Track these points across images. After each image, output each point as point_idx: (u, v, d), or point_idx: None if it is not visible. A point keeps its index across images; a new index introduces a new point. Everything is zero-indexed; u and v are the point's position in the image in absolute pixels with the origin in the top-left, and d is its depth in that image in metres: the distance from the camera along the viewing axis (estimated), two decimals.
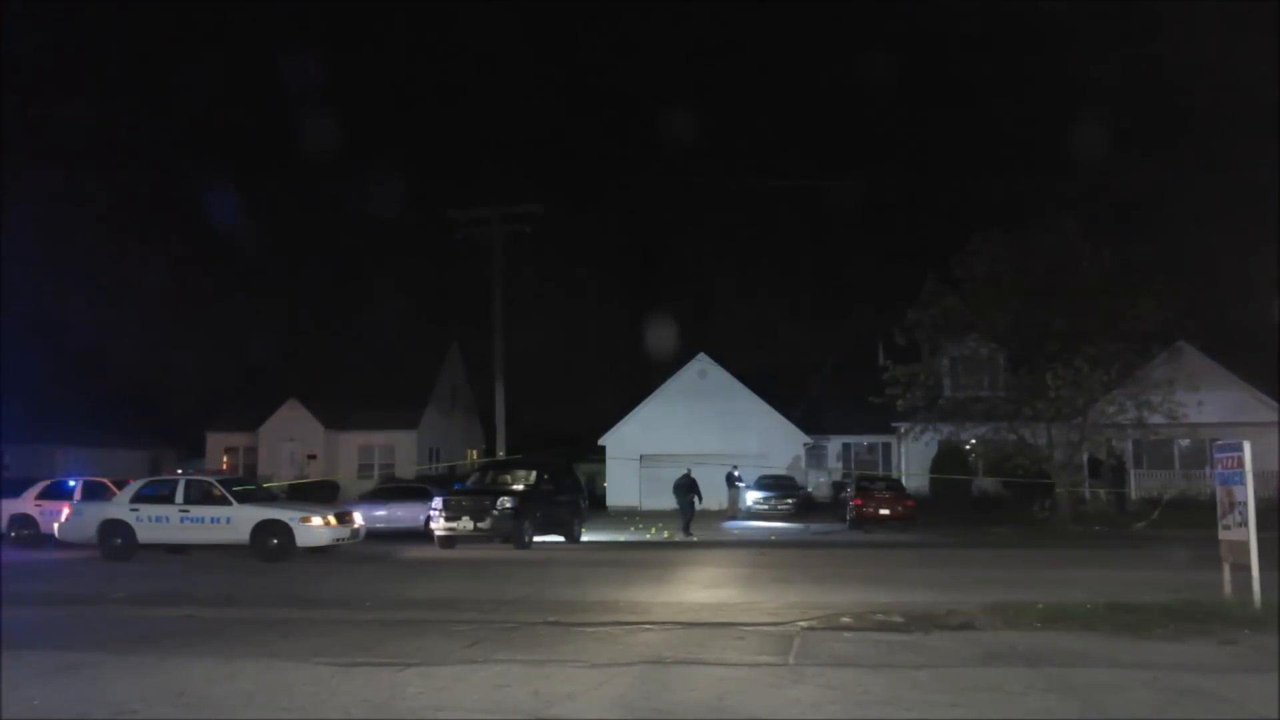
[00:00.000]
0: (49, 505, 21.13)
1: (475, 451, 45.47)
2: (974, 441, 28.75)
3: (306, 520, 16.86)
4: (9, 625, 9.28)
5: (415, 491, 24.05)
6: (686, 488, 24.63)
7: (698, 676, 6.98)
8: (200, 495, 17.47)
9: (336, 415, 38.73)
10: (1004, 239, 24.65)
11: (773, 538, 22.70)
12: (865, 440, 37.00)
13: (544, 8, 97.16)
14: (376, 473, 37.93)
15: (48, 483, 22.75)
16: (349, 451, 39.47)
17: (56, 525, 18.57)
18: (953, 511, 27.86)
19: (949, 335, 25.92)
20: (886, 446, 36.38)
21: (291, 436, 38.47)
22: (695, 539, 22.63)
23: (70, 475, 24.50)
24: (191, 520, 17.23)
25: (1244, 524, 9.36)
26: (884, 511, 25.65)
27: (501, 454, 29.49)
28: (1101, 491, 28.58)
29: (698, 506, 24.57)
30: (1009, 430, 25.45)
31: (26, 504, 21.91)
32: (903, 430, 29.93)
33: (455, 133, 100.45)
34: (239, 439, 39.50)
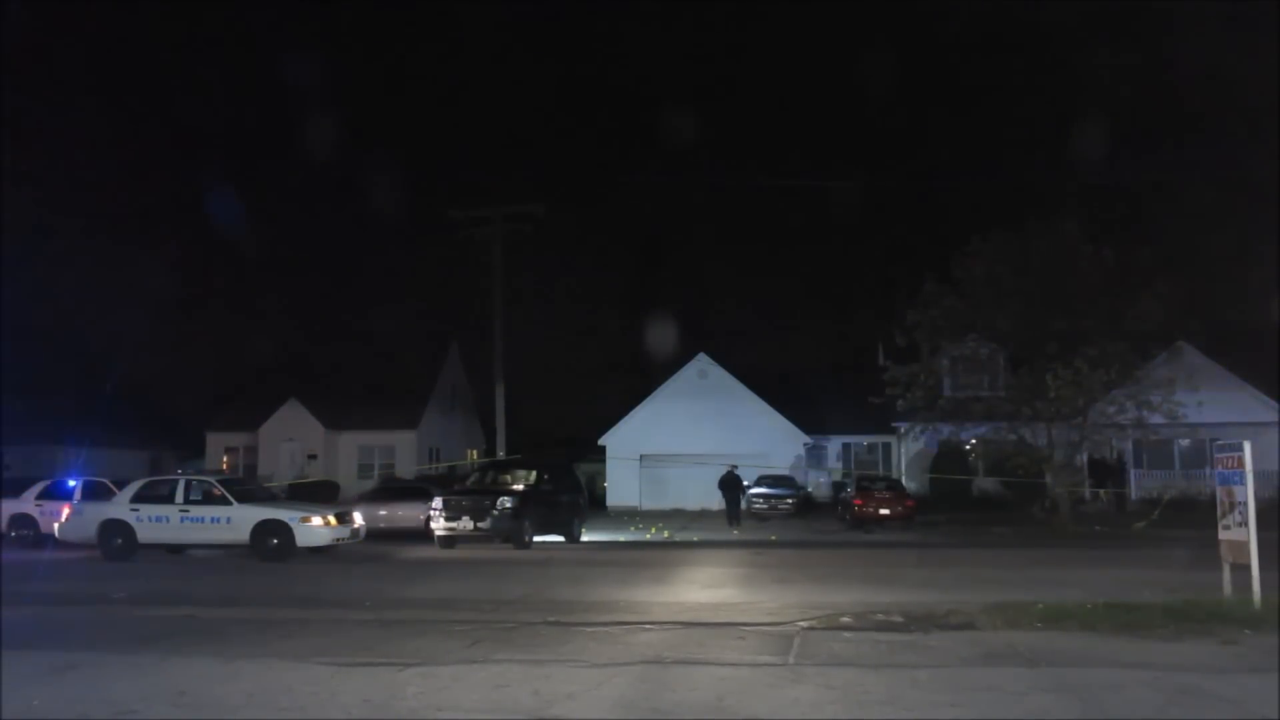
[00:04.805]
0: (49, 505, 21.13)
1: (475, 451, 45.42)
2: (974, 441, 28.75)
3: (306, 520, 16.85)
4: (9, 625, 9.25)
5: (415, 491, 24.02)
6: (733, 484, 26.46)
7: (698, 676, 6.98)
8: (200, 495, 17.46)
9: (336, 415, 38.70)
10: (1004, 239, 24.65)
11: (772, 538, 22.71)
12: (865, 440, 37.00)
13: (544, 8, 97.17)
14: (376, 473, 37.86)
15: (48, 483, 22.73)
16: (349, 451, 39.44)
17: (56, 525, 18.55)
18: (953, 511, 27.86)
19: (949, 335, 25.89)
20: (886, 446, 36.38)
21: (291, 436, 38.43)
22: (738, 533, 24.10)
23: (70, 475, 24.47)
24: (191, 520, 17.22)
25: (1244, 524, 9.35)
26: (884, 511, 25.68)
27: (501, 454, 29.47)
28: (1101, 491, 28.57)
29: (744, 504, 26.29)
30: (1009, 430, 25.44)
31: (26, 504, 21.92)
32: (903, 430, 29.93)
33: (455, 132, 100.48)
34: (239, 439, 39.43)
